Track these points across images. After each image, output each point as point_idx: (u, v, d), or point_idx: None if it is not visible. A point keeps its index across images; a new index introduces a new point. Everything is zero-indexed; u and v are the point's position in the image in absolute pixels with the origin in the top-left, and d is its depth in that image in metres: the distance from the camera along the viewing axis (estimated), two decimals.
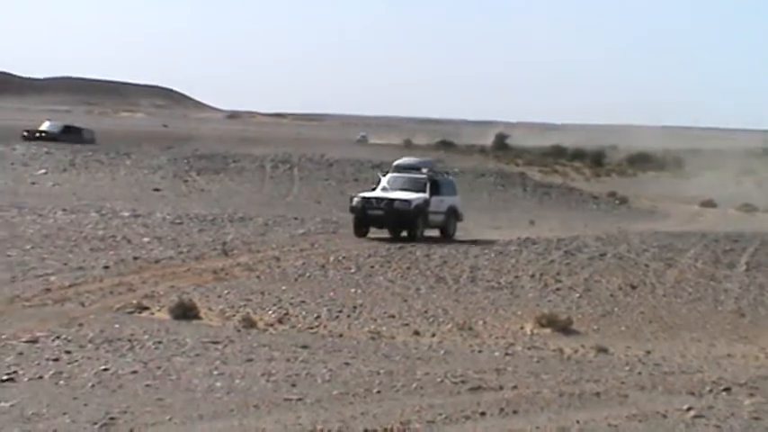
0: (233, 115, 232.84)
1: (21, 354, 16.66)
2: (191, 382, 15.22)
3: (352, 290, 25.57)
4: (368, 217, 35.46)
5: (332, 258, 30.01)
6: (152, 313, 21.68)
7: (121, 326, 19.56)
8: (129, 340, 18.14)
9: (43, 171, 51.57)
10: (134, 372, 15.72)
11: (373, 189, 37.18)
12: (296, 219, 40.39)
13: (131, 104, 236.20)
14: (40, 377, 15.16)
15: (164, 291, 24.12)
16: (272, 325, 21.00)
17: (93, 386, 14.74)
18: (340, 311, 22.83)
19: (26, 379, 15.04)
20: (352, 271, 28.16)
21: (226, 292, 24.45)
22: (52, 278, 25.06)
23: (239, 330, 20.05)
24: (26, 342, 17.57)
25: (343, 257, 30.16)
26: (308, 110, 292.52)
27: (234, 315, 21.78)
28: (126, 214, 37.40)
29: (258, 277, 26.81)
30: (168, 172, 53.24)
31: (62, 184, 48.75)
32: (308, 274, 27.54)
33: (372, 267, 28.74)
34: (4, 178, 49.25)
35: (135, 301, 22.60)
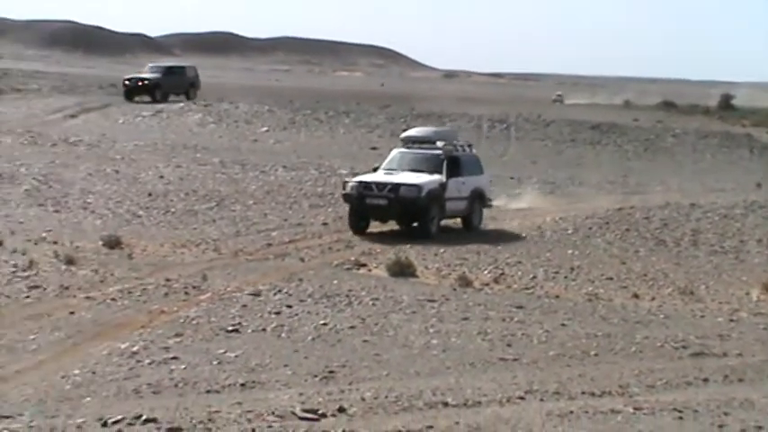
0: (449, 75, 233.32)
1: (245, 306, 17.20)
2: (407, 338, 15.40)
3: (569, 251, 25.34)
4: (367, 207, 26.74)
5: (548, 219, 29.82)
6: (369, 270, 21.99)
7: (340, 282, 19.91)
8: (347, 296, 18.47)
9: (265, 129, 52.74)
10: (352, 327, 16.02)
11: (375, 170, 28.42)
12: (512, 178, 40.25)
13: (350, 64, 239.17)
14: (263, 329, 15.63)
15: (381, 248, 24.45)
16: (487, 284, 21.01)
17: (312, 339, 15.10)
18: (556, 272, 22.66)
19: (250, 330, 15.52)
20: (569, 232, 27.91)
21: (442, 251, 24.59)
22: (273, 233, 25.76)
23: (455, 289, 20.13)
24: (249, 295, 18.11)
25: (560, 218, 29.92)
26: (526, 69, 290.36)
27: (450, 274, 21.89)
28: (344, 172, 37.96)
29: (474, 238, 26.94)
30: (385, 131, 53.68)
31: (283, 141, 49.77)
32: (524, 234, 27.47)
33: (590, 229, 28.41)
34: (228, 136, 50.61)
35: (353, 258, 23.00)
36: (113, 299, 17.29)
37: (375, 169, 28.17)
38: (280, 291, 18.65)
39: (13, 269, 19.22)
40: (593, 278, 22.33)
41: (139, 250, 22.41)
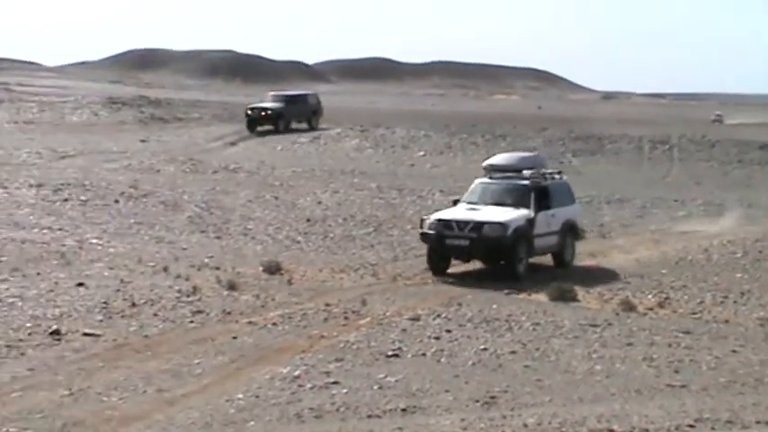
0: (608, 96, 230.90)
1: (404, 331, 17.22)
2: (569, 364, 15.21)
3: (738, 275, 24.71)
4: (447, 248, 24.14)
5: (715, 242, 29.16)
6: (529, 294, 21.81)
7: (499, 306, 19.79)
8: (507, 320, 18.35)
9: (422, 153, 52.88)
10: (513, 352, 15.90)
11: (455, 203, 25.90)
12: (675, 201, 39.47)
13: (506, 87, 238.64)
14: (423, 354, 15.62)
15: (540, 276, 24.24)
16: (651, 309, 20.62)
17: (473, 364, 15.03)
18: (725, 297, 22.11)
19: (410, 355, 15.53)
20: (738, 255, 27.24)
21: (602, 274, 24.27)
22: None
23: (618, 314, 19.82)
24: (409, 320, 18.13)
25: (728, 241, 29.23)
26: (688, 89, 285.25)
27: (612, 298, 21.56)
28: None
29: (636, 260, 26.48)
30: (543, 154, 53.43)
31: (439, 165, 49.81)
32: (689, 258, 26.89)
33: (761, 252, 27.69)
34: (385, 161, 50.90)
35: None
36: (274, 323, 17.52)
37: (455, 202, 25.73)
38: (439, 315, 18.64)
39: (178, 294, 19.62)
40: (765, 303, 21.72)
41: (299, 275, 22.65)
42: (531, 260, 24.54)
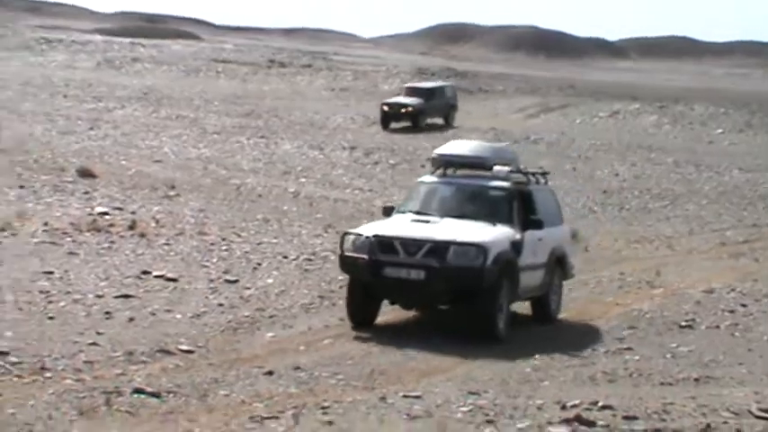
0: None
1: (698, 302, 16.79)
2: None
3: None
4: (385, 283, 14.32)
5: None
6: None
7: None
8: None
9: (720, 131, 51.25)
10: None
11: (387, 212, 15.70)
12: None
13: None
14: (717, 326, 15.19)
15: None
16: None
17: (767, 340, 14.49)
18: None
19: (703, 327, 15.13)
20: None
21: None
22: (727, 233, 24.99)
23: None
24: (703, 292, 17.64)
25: None
26: None
27: None
28: None
29: None
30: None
31: (738, 143, 48.13)
32: None
33: None
34: (682, 137, 49.60)
35: None
36: (572, 289, 17.34)
37: (388, 211, 15.53)
38: (734, 290, 18.03)
39: None
40: None
41: (594, 244, 22.42)
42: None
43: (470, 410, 9.42)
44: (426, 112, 47.40)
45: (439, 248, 13.87)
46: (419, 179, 16.37)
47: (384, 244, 14.06)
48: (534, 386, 11.34)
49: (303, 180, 29.22)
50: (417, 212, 15.01)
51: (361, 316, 14.42)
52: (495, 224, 14.54)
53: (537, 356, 12.92)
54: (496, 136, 44.29)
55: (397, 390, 10.84)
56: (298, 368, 11.63)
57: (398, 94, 49.98)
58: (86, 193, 23.25)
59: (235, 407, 9.93)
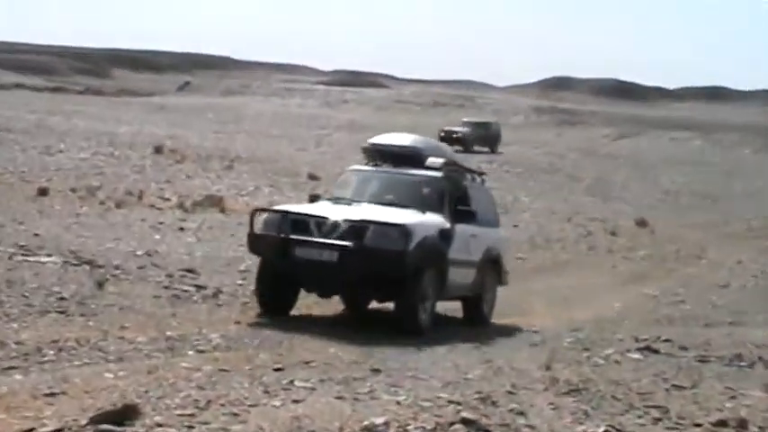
0: None
1: (731, 270, 16.25)
2: None
3: None
4: (295, 265, 8.87)
5: None
6: None
7: None
8: None
9: (747, 151, 48.93)
10: None
11: (313, 201, 10.20)
12: None
13: None
14: (744, 286, 14.68)
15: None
16: None
17: None
18: None
19: (735, 286, 14.52)
20: None
21: None
22: (752, 222, 23.95)
23: None
24: (736, 263, 17.06)
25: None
26: None
27: None
28: None
29: None
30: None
31: (762, 160, 45.86)
32: None
33: None
34: (719, 155, 47.60)
35: None
36: (642, 259, 17.02)
37: (313, 199, 10.36)
38: (756, 261, 17.36)
39: (577, 236, 19.56)
40: None
41: (659, 228, 21.82)
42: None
43: (573, 341, 9.35)
44: (473, 140, 42.41)
45: (357, 228, 8.80)
46: (348, 168, 10.90)
47: (297, 222, 8.99)
48: (617, 325, 11.16)
49: None
50: (338, 198, 9.91)
51: (273, 303, 9.13)
52: (424, 212, 9.47)
53: (619, 305, 12.72)
54: (587, 153, 43.28)
55: (522, 324, 10.75)
56: None
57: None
58: (313, 189, 23.73)
59: None
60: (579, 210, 24.65)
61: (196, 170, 21.86)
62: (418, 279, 8.85)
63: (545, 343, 9.09)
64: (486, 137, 43.71)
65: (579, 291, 13.72)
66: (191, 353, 6.84)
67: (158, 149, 23.79)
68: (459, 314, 10.36)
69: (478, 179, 10.98)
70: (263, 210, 10.03)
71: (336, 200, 9.84)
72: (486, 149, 42.34)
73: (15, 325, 7.10)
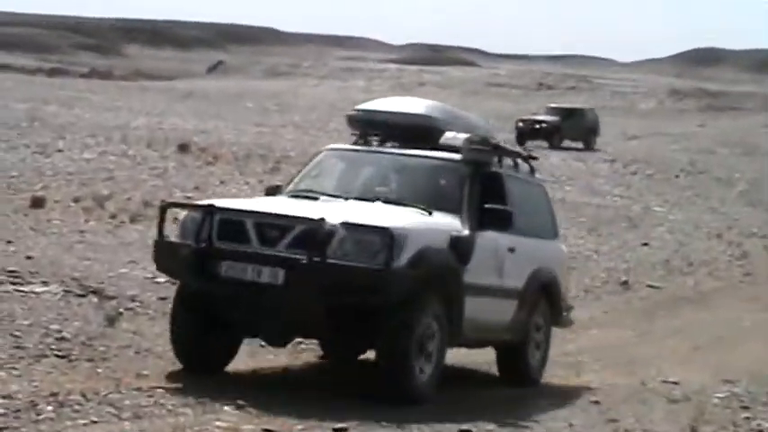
0: None
1: None
2: None
3: None
4: (216, 293, 7.29)
5: None
6: None
7: None
8: None
9: None
10: None
11: (272, 192, 8.51)
12: None
13: None
14: None
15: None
16: None
17: None
18: None
19: None
20: None
21: None
22: None
23: None
24: None
25: None
26: None
27: None
28: None
29: None
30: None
31: None
32: None
33: None
34: None
35: None
36: None
37: (271, 191, 8.58)
38: None
39: (729, 258, 19.24)
40: None
41: None
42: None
43: (726, 397, 9.20)
44: (562, 132, 40.41)
45: (315, 234, 7.02)
46: (326, 147, 9.21)
47: (227, 224, 7.31)
48: None
49: (568, 188, 29.08)
50: (306, 191, 8.22)
51: (195, 353, 7.57)
52: (430, 213, 7.78)
53: None
54: (746, 149, 42.60)
55: (655, 376, 10.64)
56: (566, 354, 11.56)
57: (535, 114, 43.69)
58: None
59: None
60: (732, 223, 24.25)
61: (232, 173, 22.18)
62: (412, 313, 7.13)
63: (688, 399, 9.01)
64: (578, 128, 41.21)
65: (732, 329, 13.55)
66: (226, 408, 6.70)
67: (184, 147, 24.24)
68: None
69: (526, 167, 9.25)
70: (178, 205, 8.62)
71: (301, 193, 8.16)
72: (578, 145, 40.15)
73: (3, 374, 7.14)
